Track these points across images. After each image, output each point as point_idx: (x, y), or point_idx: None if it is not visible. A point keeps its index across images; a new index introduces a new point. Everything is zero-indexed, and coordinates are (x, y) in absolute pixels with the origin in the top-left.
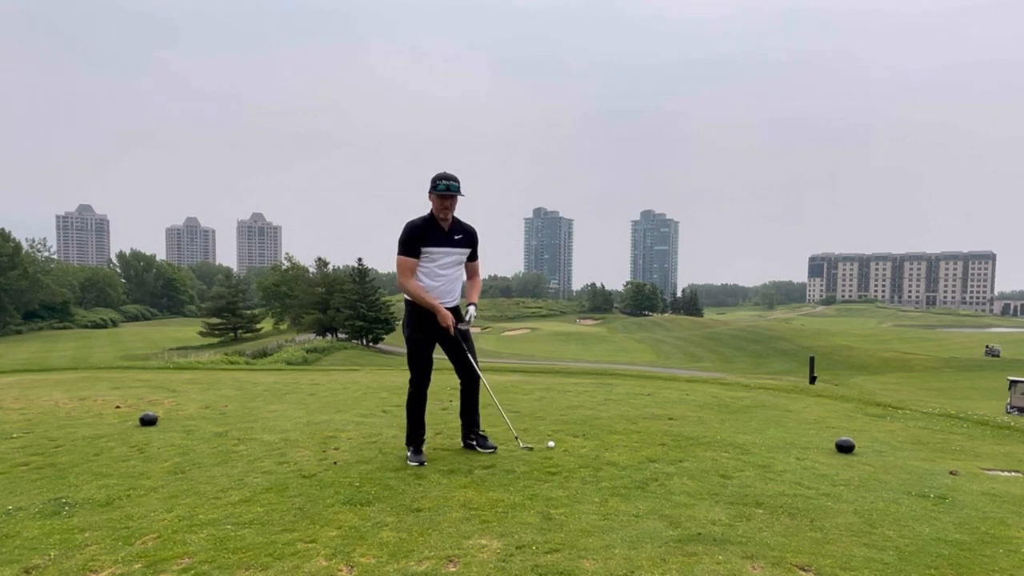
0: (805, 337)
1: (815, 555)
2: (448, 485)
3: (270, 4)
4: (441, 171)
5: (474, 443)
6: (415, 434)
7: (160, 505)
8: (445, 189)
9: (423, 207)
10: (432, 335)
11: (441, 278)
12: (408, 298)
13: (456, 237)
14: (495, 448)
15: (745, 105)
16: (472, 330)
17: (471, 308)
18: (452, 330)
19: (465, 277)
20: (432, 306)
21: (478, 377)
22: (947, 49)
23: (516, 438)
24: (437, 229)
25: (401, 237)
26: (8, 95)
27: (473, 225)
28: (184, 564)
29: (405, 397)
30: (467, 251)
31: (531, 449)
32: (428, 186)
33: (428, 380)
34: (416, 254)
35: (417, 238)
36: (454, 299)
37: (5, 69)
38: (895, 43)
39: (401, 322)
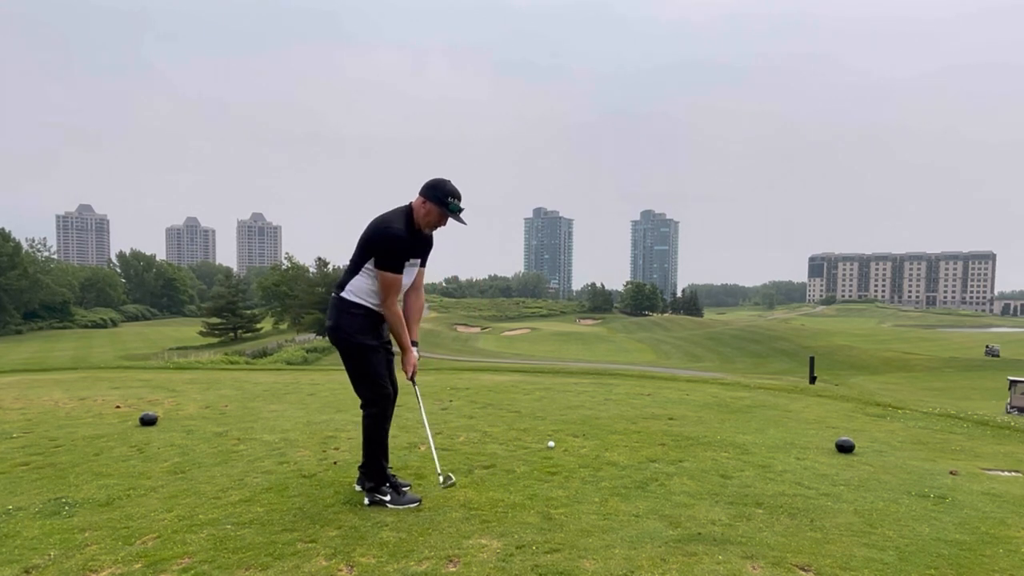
0: (805, 337)
1: (815, 555)
2: None
3: (268, 4)
4: (446, 179)
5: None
6: (383, 468)
7: (160, 505)
8: (457, 210)
9: None
10: (382, 340)
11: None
12: (357, 300)
13: (420, 248)
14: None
15: (745, 106)
16: (472, 330)
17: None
18: (410, 375)
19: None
20: (406, 346)
21: (396, 393)
22: (945, 52)
23: (439, 474)
24: (415, 239)
25: (388, 247)
26: (8, 95)
27: (472, 226)
28: (184, 564)
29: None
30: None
31: (452, 483)
32: (424, 188)
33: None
34: (402, 270)
35: (405, 253)
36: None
37: (5, 70)
38: (894, 46)
39: (339, 329)
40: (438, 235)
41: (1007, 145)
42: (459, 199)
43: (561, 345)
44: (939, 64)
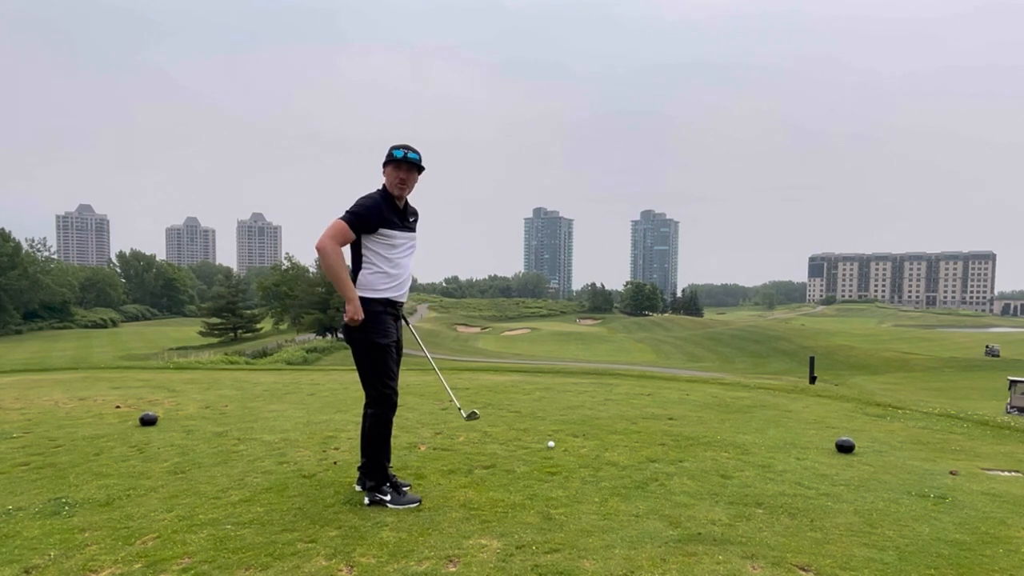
0: (805, 337)
1: (815, 555)
2: (448, 485)
3: (265, 4)
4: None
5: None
6: (385, 468)
7: (160, 505)
8: (403, 157)
9: (425, 205)
10: (394, 339)
11: (401, 268)
12: (371, 295)
13: (411, 220)
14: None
15: (745, 105)
16: (472, 330)
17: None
18: (348, 327)
19: None
20: (346, 290)
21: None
22: (945, 52)
23: (459, 409)
24: (395, 210)
25: (358, 205)
26: (8, 95)
27: (473, 224)
28: (184, 564)
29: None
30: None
31: (477, 416)
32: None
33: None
34: (362, 231)
35: (374, 216)
36: (405, 294)
37: (5, 70)
38: (894, 46)
39: (352, 327)
40: (439, 235)
41: (1007, 145)
42: (411, 148)
43: (561, 345)
44: (939, 64)
